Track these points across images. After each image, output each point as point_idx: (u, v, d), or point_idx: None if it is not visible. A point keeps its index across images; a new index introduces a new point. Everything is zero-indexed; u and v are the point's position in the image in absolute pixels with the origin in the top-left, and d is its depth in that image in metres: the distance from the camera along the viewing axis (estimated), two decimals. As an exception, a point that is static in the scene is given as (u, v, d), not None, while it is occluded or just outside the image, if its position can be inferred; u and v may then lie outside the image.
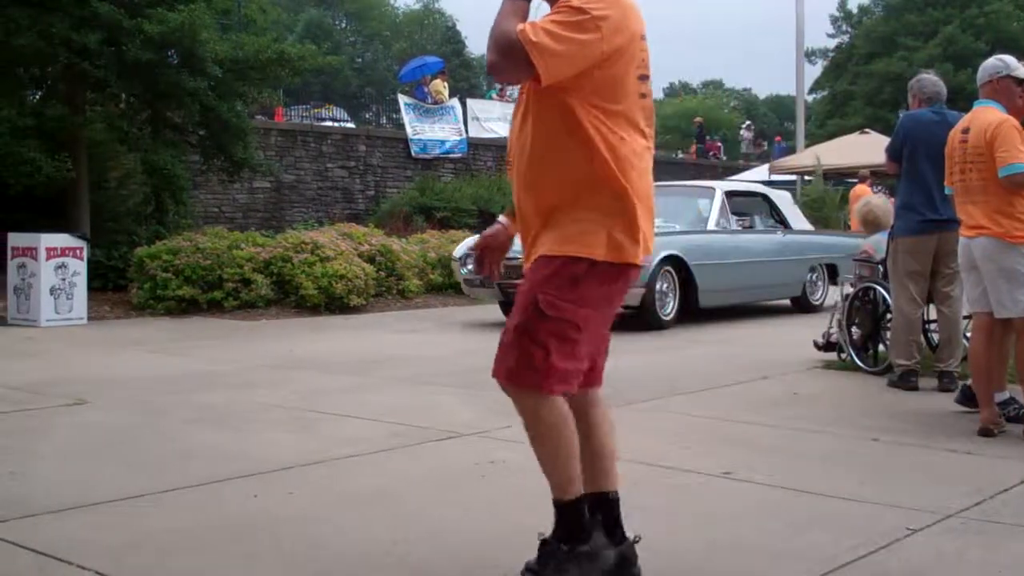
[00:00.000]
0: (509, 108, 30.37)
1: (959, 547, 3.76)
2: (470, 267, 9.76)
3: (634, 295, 9.68)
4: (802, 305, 13.26)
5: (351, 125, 29.90)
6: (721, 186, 13.16)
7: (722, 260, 11.78)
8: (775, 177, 29.09)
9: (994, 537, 3.88)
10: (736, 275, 12.04)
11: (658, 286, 10.92)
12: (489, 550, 3.68)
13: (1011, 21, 45.26)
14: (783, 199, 13.92)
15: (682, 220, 11.91)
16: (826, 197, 25.18)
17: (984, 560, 3.63)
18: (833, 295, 11.40)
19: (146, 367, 8.15)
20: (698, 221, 12.09)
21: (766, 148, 43.37)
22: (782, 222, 13.36)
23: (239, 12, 17.86)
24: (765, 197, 13.70)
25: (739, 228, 12.60)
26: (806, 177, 27.25)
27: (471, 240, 10.72)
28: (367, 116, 40.28)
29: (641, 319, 10.61)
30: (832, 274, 13.48)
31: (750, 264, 12.26)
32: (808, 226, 14.17)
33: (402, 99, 26.88)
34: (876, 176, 20.81)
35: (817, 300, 13.50)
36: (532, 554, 3.16)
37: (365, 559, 3.57)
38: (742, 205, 13.32)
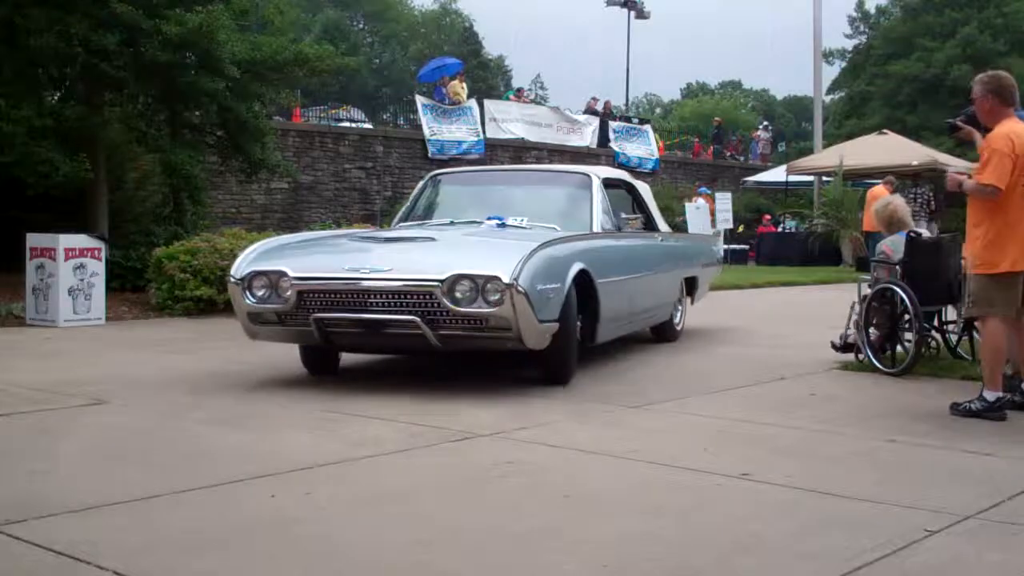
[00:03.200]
0: (526, 109, 30.48)
1: (977, 549, 3.74)
2: (260, 293, 7.02)
3: (543, 335, 6.64)
4: (666, 334, 9.97)
5: (368, 126, 29.94)
6: (597, 172, 9.40)
7: (622, 276, 8.19)
8: (793, 177, 29.05)
9: (1013, 539, 3.86)
10: (633, 295, 8.55)
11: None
12: (510, 550, 3.68)
13: (1030, 21, 44.97)
14: (646, 191, 10.41)
15: (557, 217, 8.34)
16: (844, 198, 25.11)
17: (1003, 562, 3.61)
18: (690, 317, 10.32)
19: (164, 367, 8.16)
20: (576, 219, 8.42)
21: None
22: (648, 223, 9.83)
23: (257, 13, 17.88)
24: (630, 188, 9.95)
25: (627, 231, 8.99)
26: (824, 178, 27.18)
27: (264, 246, 7.51)
28: (384, 117, 40.21)
29: (547, 369, 7.23)
30: (691, 290, 10.58)
31: (643, 280, 8.80)
32: (667, 227, 10.70)
33: (420, 100, 26.95)
34: (900, 178, 20.66)
35: (679, 325, 10.31)
36: (553, 554, 3.14)
37: (383, 560, 3.57)
38: (609, 199, 9.12)
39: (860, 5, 53.34)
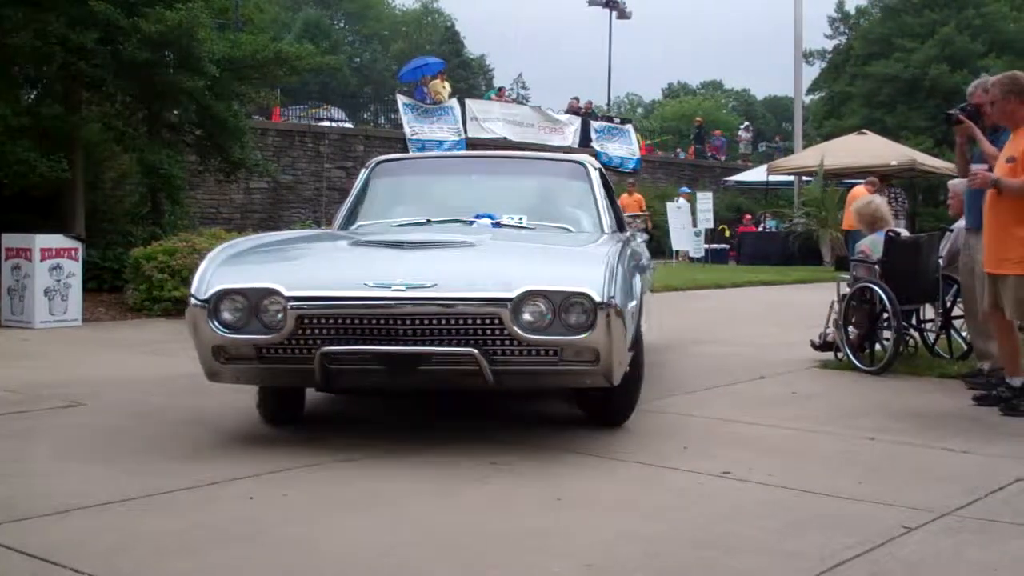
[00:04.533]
0: (508, 109, 30.45)
1: (956, 545, 3.75)
2: (235, 319, 5.10)
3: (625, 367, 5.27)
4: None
5: (349, 125, 29.90)
6: (590, 160, 7.71)
7: (644, 289, 6.60)
8: (773, 177, 29.14)
9: (991, 535, 3.87)
10: (645, 311, 6.57)
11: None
12: (491, 551, 3.66)
13: (1008, 22, 45.20)
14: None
15: (559, 215, 6.89)
16: (824, 197, 25.20)
17: (981, 559, 3.62)
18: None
19: (141, 369, 8.12)
20: (581, 218, 6.89)
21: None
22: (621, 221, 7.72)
23: (236, 11, 17.82)
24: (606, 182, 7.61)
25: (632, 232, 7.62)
26: (804, 178, 27.26)
27: (232, 250, 5.61)
28: (365, 116, 40.25)
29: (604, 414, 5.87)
30: None
31: (647, 293, 7.20)
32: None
33: (400, 99, 26.91)
34: (884, 180, 20.71)
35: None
36: (538, 555, 3.13)
37: (362, 562, 3.55)
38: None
39: (840, 6, 53.48)
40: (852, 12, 53.35)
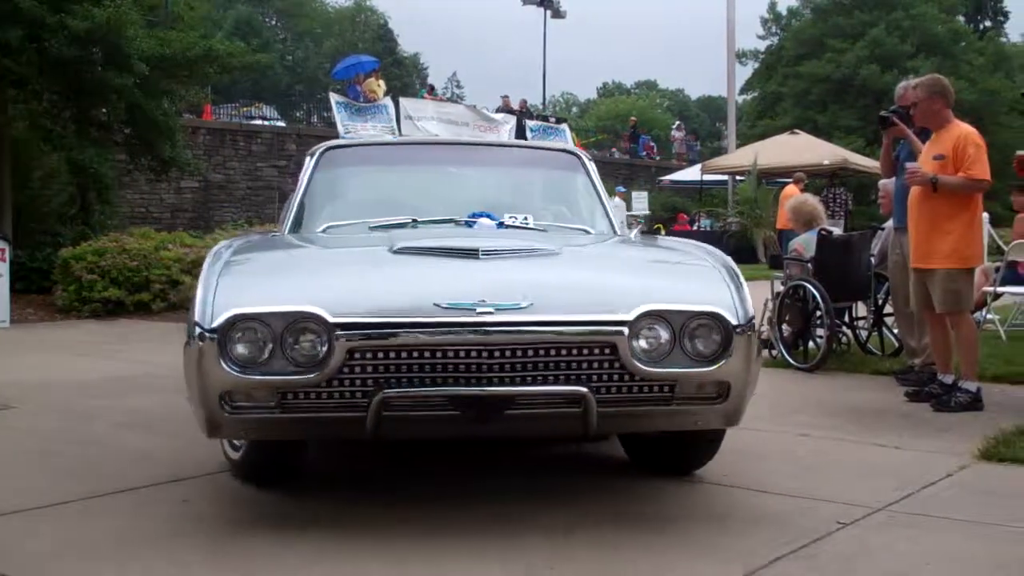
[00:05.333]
0: (442, 107, 30.30)
1: (887, 540, 3.80)
2: (254, 353, 3.78)
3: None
4: None
5: (281, 124, 29.68)
6: (583, 153, 6.59)
7: None
8: (708, 177, 29.37)
9: (921, 530, 3.93)
10: None
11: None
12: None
13: (936, 24, 46.05)
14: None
15: (568, 215, 5.82)
16: (758, 196, 25.44)
17: (911, 552, 3.68)
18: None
19: (73, 371, 7.98)
20: (591, 219, 5.75)
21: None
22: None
23: (166, 8, 17.60)
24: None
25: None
26: (738, 177, 27.51)
27: (246, 258, 4.41)
28: (298, 115, 39.94)
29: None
30: None
31: None
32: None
33: (333, 97, 26.59)
34: (811, 177, 20.99)
35: None
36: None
37: (299, 562, 3.52)
38: None
39: (772, 7, 54.11)
40: (784, 13, 53.99)
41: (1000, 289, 9.41)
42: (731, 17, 30.20)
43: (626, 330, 3.79)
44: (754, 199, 25.53)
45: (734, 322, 3.91)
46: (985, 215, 9.57)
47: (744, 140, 36.22)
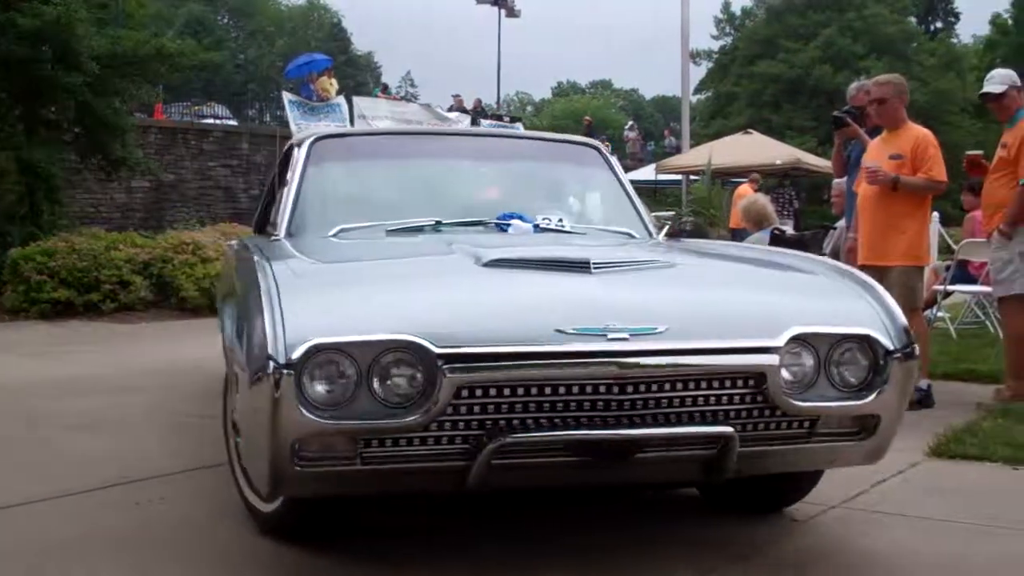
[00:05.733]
0: (396, 106, 30.28)
1: (845, 536, 3.85)
2: (340, 391, 3.04)
3: None
4: None
5: (233, 123, 29.44)
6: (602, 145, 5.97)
7: None
8: (662, 176, 29.49)
9: (877, 525, 3.96)
10: None
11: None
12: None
13: (887, 25, 46.57)
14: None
15: (602, 216, 5.35)
16: (712, 196, 25.59)
17: (864, 549, 3.71)
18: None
19: (21, 372, 7.87)
20: (626, 220, 5.16)
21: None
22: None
23: (117, 6, 17.40)
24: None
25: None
26: (692, 176, 27.65)
27: (325, 296, 3.43)
28: (250, 114, 39.67)
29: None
30: None
31: None
32: None
33: (286, 96, 26.50)
34: (764, 177, 21.13)
35: None
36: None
37: (255, 564, 3.49)
38: None
39: (726, 7, 54.50)
40: (738, 13, 54.37)
41: (950, 288, 9.50)
42: (685, 17, 30.32)
43: (777, 358, 3.21)
44: (708, 199, 25.68)
45: (889, 346, 3.36)
46: (935, 214, 9.69)
47: (698, 140, 36.41)
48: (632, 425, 3.14)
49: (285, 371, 2.94)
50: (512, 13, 47.01)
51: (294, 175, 4.92)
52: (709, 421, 3.21)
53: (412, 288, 3.52)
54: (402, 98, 41.37)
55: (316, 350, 2.97)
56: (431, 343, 3.00)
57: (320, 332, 3.01)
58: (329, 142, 5.33)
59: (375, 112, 27.99)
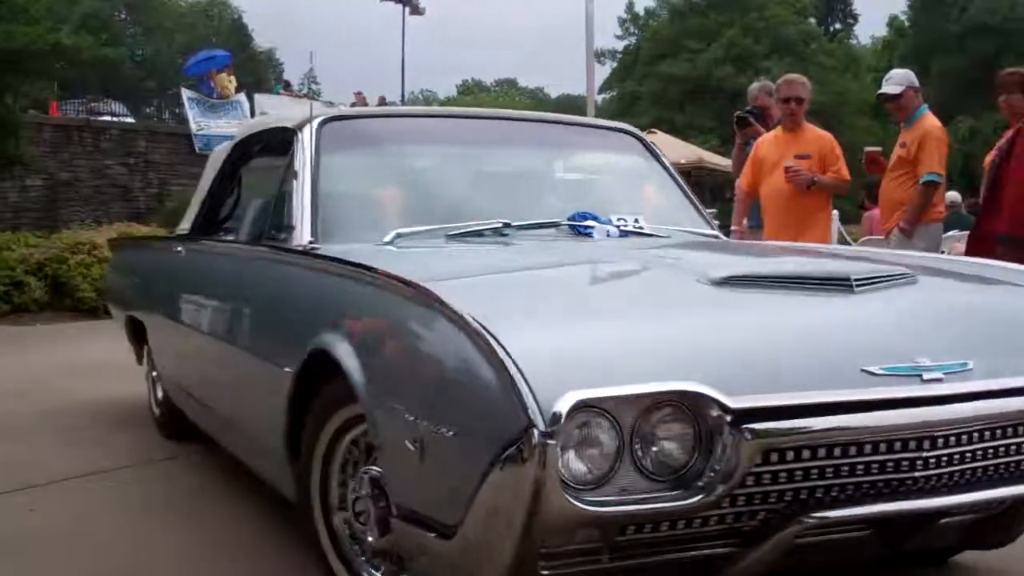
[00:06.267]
0: (298, 104, 29.91)
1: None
2: (595, 462, 2.22)
3: None
4: None
5: (131, 120, 28.87)
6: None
7: None
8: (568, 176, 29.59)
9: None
10: None
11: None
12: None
13: (788, 26, 47.39)
14: None
15: (662, 212, 4.58)
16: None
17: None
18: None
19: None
20: (686, 217, 4.61)
21: None
22: None
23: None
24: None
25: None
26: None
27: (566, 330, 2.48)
28: (148, 111, 38.92)
29: None
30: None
31: None
32: None
33: (185, 93, 26.11)
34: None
35: None
36: None
37: (154, 569, 3.41)
38: None
39: (630, 7, 54.96)
40: (641, 13, 54.86)
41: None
42: (589, 16, 30.40)
43: None
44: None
45: None
46: (835, 212, 9.82)
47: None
48: (941, 488, 2.48)
49: (547, 440, 2.11)
50: (416, 11, 46.80)
51: (301, 165, 3.95)
52: (1003, 476, 2.57)
53: (649, 318, 2.64)
54: (305, 95, 40.90)
55: (579, 408, 2.15)
56: (722, 393, 2.25)
57: (576, 383, 2.17)
58: (341, 125, 4.28)
59: (277, 110, 27.70)
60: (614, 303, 2.85)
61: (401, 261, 3.32)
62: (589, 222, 3.96)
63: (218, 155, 5.42)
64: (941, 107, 18.22)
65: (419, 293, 2.60)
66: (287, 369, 3.14)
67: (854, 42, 58.20)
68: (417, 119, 5.11)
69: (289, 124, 4.24)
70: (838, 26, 58.73)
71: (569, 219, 3.98)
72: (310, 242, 3.63)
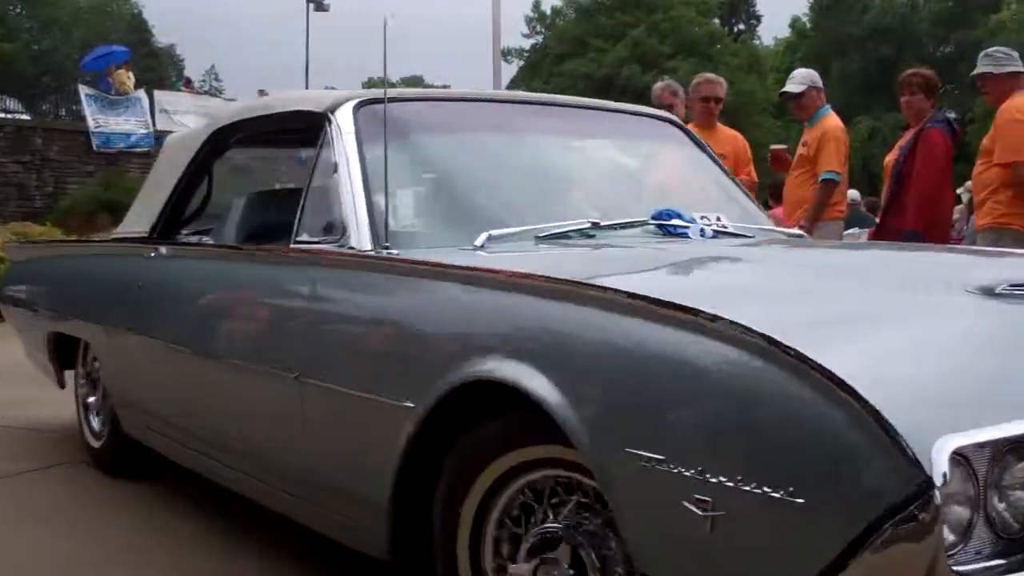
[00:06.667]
0: (200, 101, 29.39)
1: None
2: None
3: None
4: None
5: (26, 117, 28.19)
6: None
7: None
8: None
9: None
10: None
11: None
12: None
13: (693, 26, 47.85)
14: None
15: (723, 205, 4.00)
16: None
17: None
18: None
19: None
20: (745, 210, 4.15)
21: None
22: None
23: None
24: None
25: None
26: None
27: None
28: (44, 108, 37.99)
29: None
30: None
31: None
32: None
33: (83, 90, 25.49)
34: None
35: None
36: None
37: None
38: None
39: (536, 5, 55.03)
40: (548, 12, 54.99)
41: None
42: (496, 15, 30.36)
43: None
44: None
45: None
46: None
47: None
48: None
49: (943, 499, 1.74)
50: (321, 7, 46.34)
51: (344, 157, 3.35)
52: None
53: (956, 341, 2.20)
54: (206, 92, 40.29)
55: (954, 457, 1.78)
56: None
57: (939, 426, 1.81)
58: (375, 111, 3.47)
59: (178, 107, 27.18)
60: (910, 326, 2.25)
61: (584, 271, 2.68)
62: (675, 220, 3.51)
63: (183, 144, 4.68)
64: (842, 108, 18.47)
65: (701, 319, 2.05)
66: (407, 403, 2.56)
67: (757, 43, 59.01)
68: (456, 103, 4.15)
69: (313, 107, 3.64)
70: (742, 27, 59.50)
71: (653, 217, 3.51)
72: (384, 246, 3.03)
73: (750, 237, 3.67)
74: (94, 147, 23.71)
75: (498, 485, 2.49)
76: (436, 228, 3.44)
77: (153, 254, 4.36)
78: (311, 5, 45.64)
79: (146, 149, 24.77)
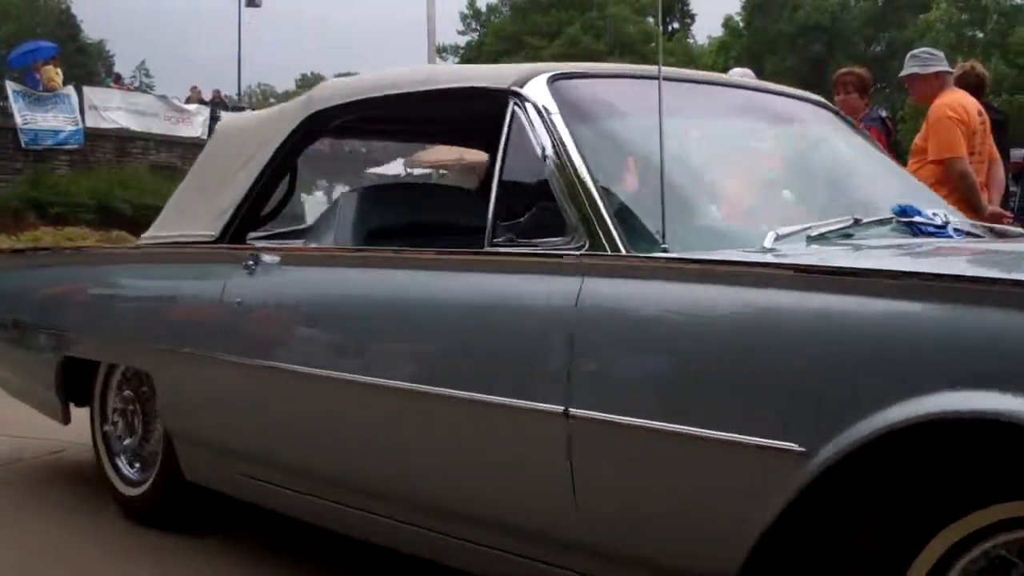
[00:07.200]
0: (130, 97, 28.99)
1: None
2: None
3: None
4: None
5: (-49, 113, 27.58)
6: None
7: None
8: (412, 170, 29.35)
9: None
10: None
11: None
12: None
13: (628, 24, 48.10)
14: None
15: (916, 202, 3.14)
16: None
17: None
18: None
19: None
20: (929, 202, 3.37)
21: None
22: None
23: None
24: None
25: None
26: (440, 171, 27.63)
27: None
28: (-29, 104, 37.15)
29: None
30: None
31: None
32: None
33: (10, 86, 25.03)
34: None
35: None
36: None
37: None
38: None
39: (471, 3, 54.98)
40: (483, 9, 54.96)
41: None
42: (431, 12, 30.28)
43: None
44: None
45: None
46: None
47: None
48: None
49: None
50: (252, 2, 45.91)
51: (559, 138, 2.76)
52: None
53: None
54: (136, 88, 39.73)
55: None
56: None
57: None
58: (573, 86, 2.98)
59: (108, 103, 26.79)
60: None
61: None
62: (917, 218, 3.03)
63: (261, 128, 3.85)
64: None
65: None
66: (791, 445, 2.00)
67: (691, 41, 59.38)
68: (645, 80, 3.07)
69: (489, 84, 3.06)
70: (676, 25, 59.86)
71: (895, 212, 3.01)
72: (662, 248, 2.49)
73: (980, 236, 3.19)
74: (22, 144, 23.29)
75: (957, 549, 1.92)
76: (695, 227, 2.80)
77: (252, 262, 3.44)
78: (242, 1, 45.20)
79: (75, 146, 24.39)
